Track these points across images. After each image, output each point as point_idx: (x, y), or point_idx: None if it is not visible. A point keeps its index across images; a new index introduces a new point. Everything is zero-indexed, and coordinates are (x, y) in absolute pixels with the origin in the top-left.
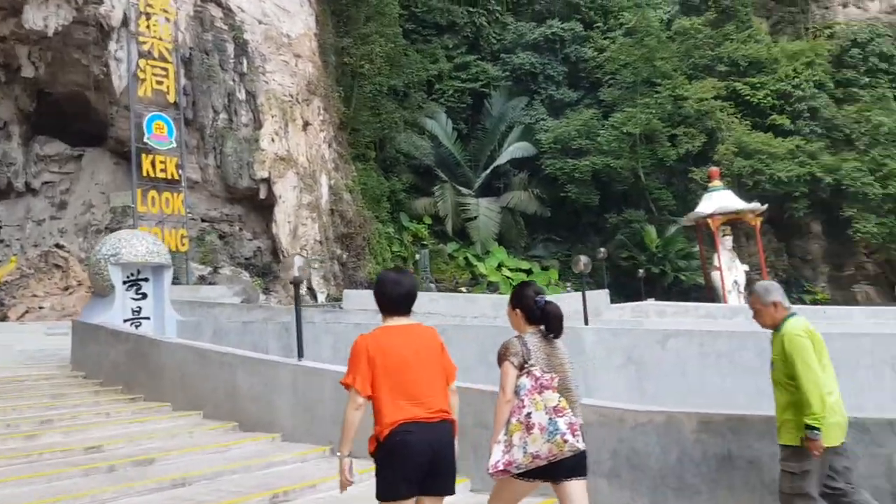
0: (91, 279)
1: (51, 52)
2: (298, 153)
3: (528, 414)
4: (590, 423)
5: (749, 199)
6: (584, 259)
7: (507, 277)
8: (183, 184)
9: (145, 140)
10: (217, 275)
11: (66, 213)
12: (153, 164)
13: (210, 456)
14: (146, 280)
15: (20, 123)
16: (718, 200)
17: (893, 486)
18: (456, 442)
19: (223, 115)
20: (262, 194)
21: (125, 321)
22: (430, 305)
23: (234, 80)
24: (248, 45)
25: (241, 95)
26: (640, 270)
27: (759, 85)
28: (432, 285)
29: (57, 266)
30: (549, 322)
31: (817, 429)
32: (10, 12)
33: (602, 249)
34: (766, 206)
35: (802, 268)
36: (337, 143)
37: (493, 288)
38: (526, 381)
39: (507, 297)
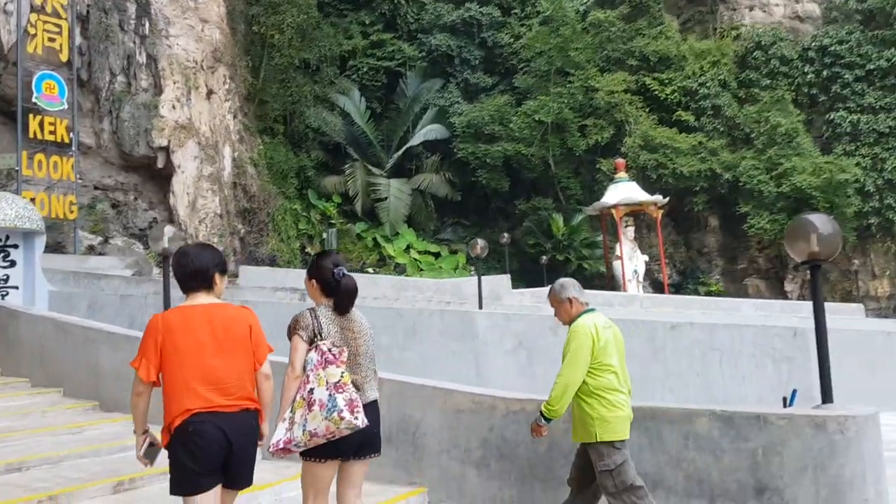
0: None
1: None
2: (201, 122)
3: (311, 390)
4: (462, 410)
5: (652, 192)
6: (480, 243)
7: (416, 260)
8: (73, 148)
9: (34, 100)
10: (108, 245)
11: None
12: (41, 125)
13: (60, 437)
14: (15, 247)
15: None
16: (623, 191)
17: (757, 480)
18: (265, 428)
19: (121, 79)
20: (161, 163)
21: None
22: (295, 280)
23: (134, 42)
24: (150, 7)
25: (142, 59)
26: (543, 257)
27: (667, 81)
28: None
29: None
30: (339, 296)
31: (547, 419)
32: None
33: (505, 235)
34: (667, 199)
35: (699, 260)
36: (243, 114)
37: (400, 269)
38: (313, 356)
39: (409, 279)
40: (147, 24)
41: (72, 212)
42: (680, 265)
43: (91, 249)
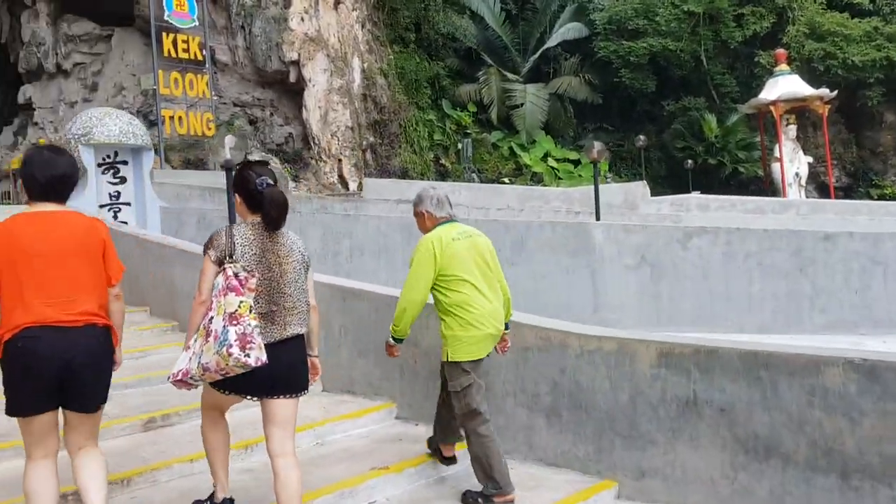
0: None
1: None
2: (329, 34)
3: (211, 319)
4: (528, 347)
5: (818, 86)
6: (597, 145)
7: (553, 168)
8: (207, 65)
9: (166, 17)
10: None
11: (97, 96)
12: (175, 43)
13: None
14: (125, 163)
15: (47, 1)
16: (784, 86)
17: None
18: (119, 352)
19: None
20: (293, 78)
21: (101, 207)
22: (453, 196)
23: None
24: None
25: None
26: (689, 161)
27: None
28: (475, 175)
29: None
30: (265, 209)
31: (396, 339)
32: None
33: (641, 137)
34: (835, 92)
35: (872, 160)
36: (371, 23)
37: (537, 179)
38: (220, 280)
39: (535, 188)
40: None
41: (209, 129)
42: (850, 166)
43: None
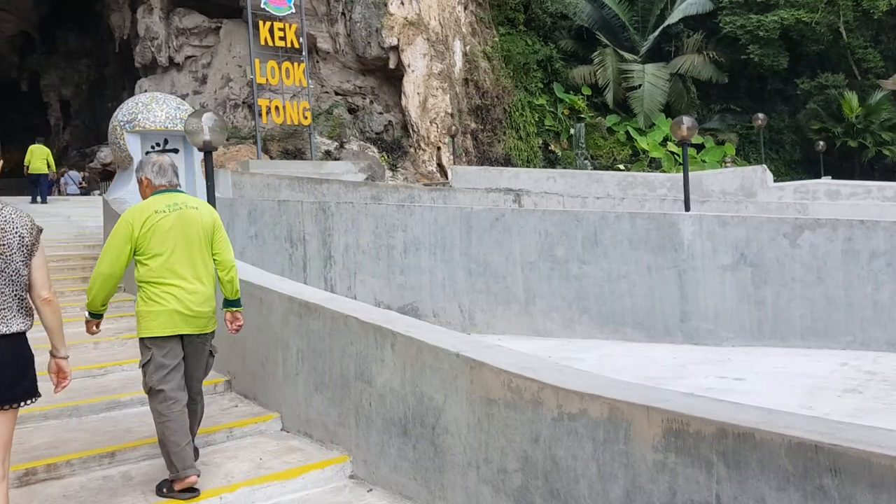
0: (111, 149)
1: None
2: (430, 17)
3: None
4: (493, 400)
5: None
6: (686, 121)
7: (673, 153)
8: (304, 53)
9: (262, 6)
10: (343, 150)
11: (206, 88)
12: (271, 31)
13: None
14: (175, 151)
15: None
16: None
17: None
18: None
19: None
20: (392, 64)
21: None
22: (547, 184)
23: None
24: None
25: None
26: (821, 143)
27: None
28: (587, 162)
29: None
30: None
31: (91, 313)
32: None
33: (760, 115)
34: None
35: None
36: (475, 4)
37: (654, 165)
38: None
39: (638, 174)
40: None
41: (306, 118)
42: None
43: (328, 154)
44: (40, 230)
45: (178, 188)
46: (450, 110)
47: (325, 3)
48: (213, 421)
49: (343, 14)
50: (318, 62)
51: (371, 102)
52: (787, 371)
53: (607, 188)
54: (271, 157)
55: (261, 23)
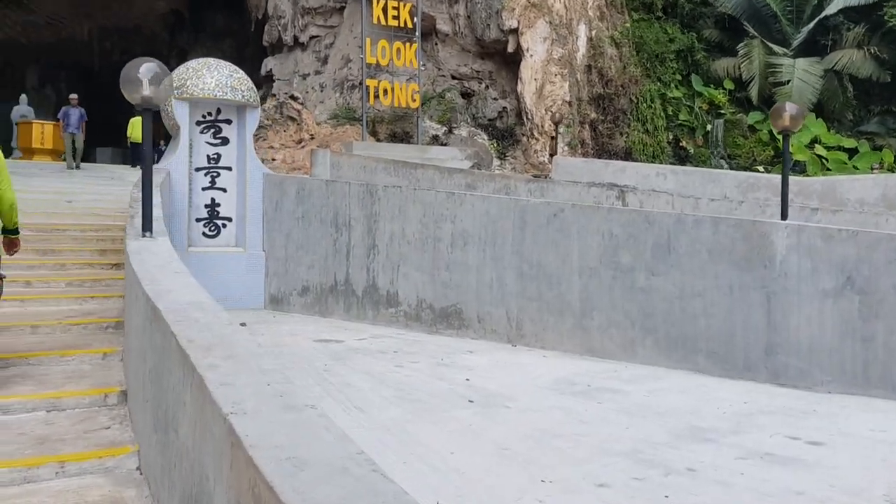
0: (161, 116)
1: None
2: None
3: None
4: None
5: None
6: (790, 108)
7: (820, 157)
8: (417, 33)
9: None
10: (451, 136)
11: (326, 68)
12: (385, 10)
13: None
14: (228, 122)
15: None
16: None
17: None
18: None
19: None
20: (511, 47)
21: (197, 170)
22: (656, 181)
23: None
24: None
25: None
26: None
27: None
28: (723, 161)
29: (291, 118)
30: None
31: None
32: None
33: None
34: None
35: None
36: None
37: (799, 168)
38: None
39: (762, 175)
40: None
41: (414, 100)
42: None
43: (435, 139)
44: None
45: None
46: (568, 98)
47: None
48: (52, 448)
49: None
50: (436, 44)
51: (486, 87)
52: (888, 436)
53: (725, 189)
54: (378, 140)
55: (374, 1)
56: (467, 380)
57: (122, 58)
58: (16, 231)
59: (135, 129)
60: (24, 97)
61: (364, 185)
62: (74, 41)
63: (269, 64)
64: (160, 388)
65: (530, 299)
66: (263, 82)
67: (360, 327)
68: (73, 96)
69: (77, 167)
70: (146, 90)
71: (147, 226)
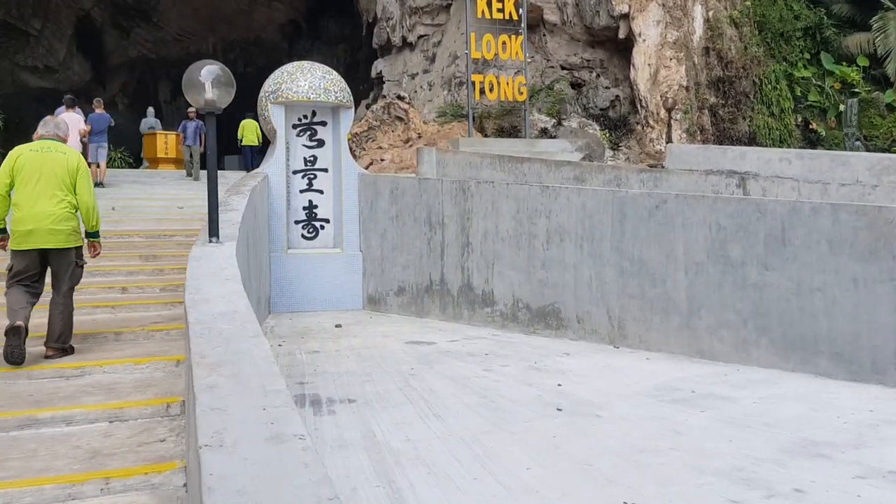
0: (260, 121)
1: None
2: None
3: None
4: None
5: None
6: None
7: None
8: (522, 25)
9: None
10: (560, 127)
11: (434, 66)
12: (489, 3)
13: None
14: (323, 124)
15: None
16: None
17: None
18: None
19: None
20: (621, 34)
21: (294, 173)
22: (780, 166)
23: None
24: None
25: None
26: None
27: None
28: (858, 143)
29: (398, 118)
30: None
31: None
32: None
33: None
34: None
35: None
36: None
37: None
38: None
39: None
40: None
41: (521, 94)
42: None
43: (544, 132)
44: None
45: (55, 138)
46: (684, 83)
47: None
48: (101, 463)
49: None
50: (544, 35)
51: (598, 76)
52: None
53: (856, 173)
54: (486, 135)
55: None
56: (559, 385)
57: (245, 69)
58: (96, 235)
59: (245, 131)
60: (150, 110)
61: (456, 182)
62: (201, 55)
63: (379, 66)
64: (189, 404)
65: (632, 297)
66: (374, 84)
67: (454, 328)
68: (191, 110)
69: (195, 178)
70: (209, 93)
71: (213, 231)
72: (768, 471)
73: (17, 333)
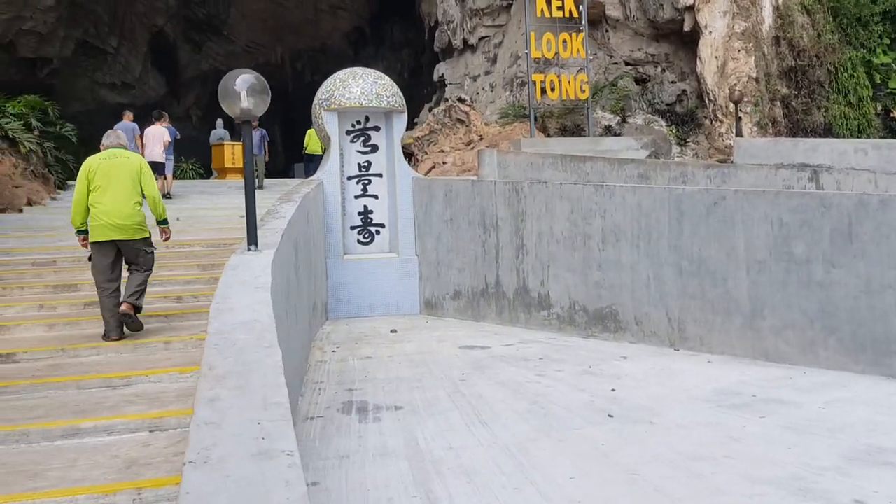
0: (314, 128)
1: None
2: None
3: None
4: None
5: None
6: None
7: None
8: (583, 21)
9: None
10: (625, 125)
11: (495, 68)
12: (548, 2)
13: None
14: (376, 129)
15: None
16: None
17: None
18: None
19: None
20: (686, 26)
21: (349, 179)
22: (855, 158)
23: None
24: None
25: None
26: None
27: None
28: None
29: (460, 121)
30: None
31: (77, 231)
32: None
33: None
34: None
35: None
36: None
37: None
38: None
39: None
40: None
41: (583, 91)
42: None
43: (608, 130)
44: None
45: (119, 146)
46: (754, 74)
47: None
48: (136, 473)
49: None
50: (606, 31)
51: (663, 71)
52: None
53: None
54: (548, 135)
55: None
56: (613, 391)
57: (313, 77)
58: (165, 221)
59: (311, 140)
60: (220, 121)
61: (509, 183)
62: (269, 65)
63: (441, 69)
64: None
65: (692, 297)
66: (437, 87)
67: (510, 332)
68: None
69: (260, 187)
70: (244, 102)
71: (252, 239)
72: (830, 480)
73: (120, 323)
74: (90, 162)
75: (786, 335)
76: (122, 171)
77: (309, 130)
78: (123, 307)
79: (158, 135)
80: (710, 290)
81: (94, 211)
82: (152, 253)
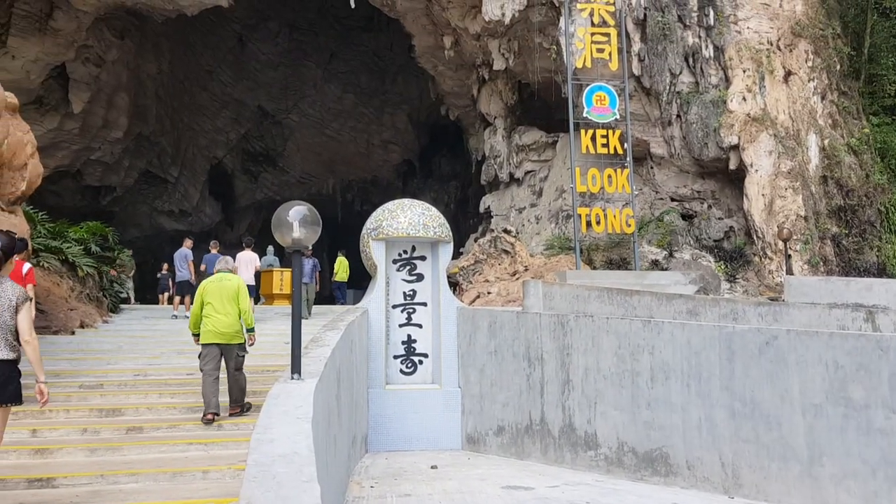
0: (362, 257)
1: (515, 41)
2: (777, 110)
3: None
4: None
5: None
6: None
7: None
8: (628, 158)
9: (585, 114)
10: (672, 259)
11: (541, 201)
12: (593, 139)
13: None
14: (422, 259)
15: (504, 117)
16: None
17: None
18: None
19: (683, 79)
20: (733, 164)
21: (394, 307)
22: (865, 295)
23: (698, 37)
24: None
25: (707, 52)
26: None
27: None
28: None
29: (505, 251)
30: None
31: (193, 334)
32: (475, 8)
33: None
34: None
35: None
36: (837, 93)
37: None
38: None
39: None
40: (711, 14)
41: (629, 225)
42: None
43: (654, 265)
44: (28, 297)
45: (226, 271)
46: (802, 213)
47: (657, 107)
48: None
49: (678, 116)
50: (651, 167)
51: (709, 207)
52: None
53: None
54: (594, 268)
55: (582, 131)
56: None
57: (362, 207)
58: (252, 330)
59: (340, 267)
60: (270, 248)
61: (555, 316)
62: (321, 195)
63: (487, 201)
64: None
65: (746, 442)
66: (483, 218)
67: (556, 472)
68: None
69: (307, 315)
70: (296, 232)
71: (295, 367)
72: None
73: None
74: (205, 283)
75: (847, 485)
76: (226, 292)
77: (339, 258)
78: (232, 411)
79: (248, 260)
80: (765, 435)
81: (205, 321)
82: (244, 356)
